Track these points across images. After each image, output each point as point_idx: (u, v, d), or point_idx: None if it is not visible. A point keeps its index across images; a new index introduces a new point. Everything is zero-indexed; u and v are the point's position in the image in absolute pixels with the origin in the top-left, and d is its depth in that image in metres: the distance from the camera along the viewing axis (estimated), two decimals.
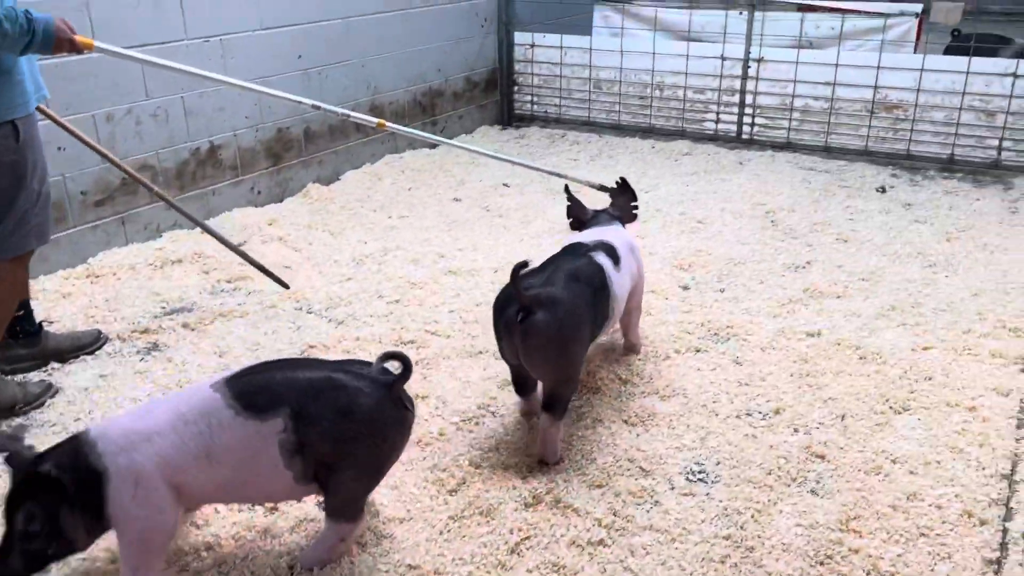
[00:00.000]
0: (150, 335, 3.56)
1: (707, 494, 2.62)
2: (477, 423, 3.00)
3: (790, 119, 6.28)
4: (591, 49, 6.81)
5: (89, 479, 1.98)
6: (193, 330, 3.61)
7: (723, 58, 6.36)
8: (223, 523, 2.47)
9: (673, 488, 2.66)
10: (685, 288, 4.06)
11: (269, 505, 2.53)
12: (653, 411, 3.05)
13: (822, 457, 2.78)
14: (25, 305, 3.26)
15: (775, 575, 2.30)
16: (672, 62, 6.54)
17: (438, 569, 2.32)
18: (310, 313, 3.80)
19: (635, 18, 7.12)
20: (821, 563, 2.33)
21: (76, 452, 2.01)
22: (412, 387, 3.15)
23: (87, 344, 3.41)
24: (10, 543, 1.97)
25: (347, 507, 2.26)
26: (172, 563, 2.31)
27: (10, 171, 2.75)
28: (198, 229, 4.65)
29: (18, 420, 2.99)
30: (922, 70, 5.73)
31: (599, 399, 3.14)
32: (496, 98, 7.20)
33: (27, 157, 2.78)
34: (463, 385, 3.22)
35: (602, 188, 4.22)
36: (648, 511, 2.55)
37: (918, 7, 6.16)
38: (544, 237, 4.69)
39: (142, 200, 4.46)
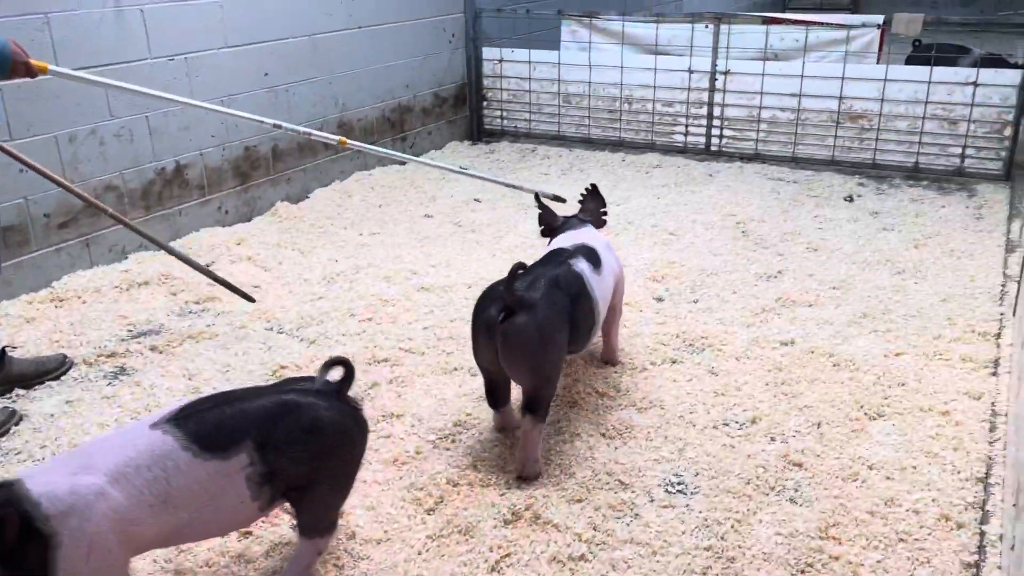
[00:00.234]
0: (117, 359, 3.48)
1: (687, 505, 2.61)
2: (454, 440, 2.97)
3: (758, 130, 6.35)
4: (559, 64, 6.84)
5: (33, 545, 1.76)
6: (161, 353, 3.54)
7: (690, 71, 6.41)
8: (197, 549, 2.41)
9: (652, 500, 2.64)
10: (659, 300, 4.07)
11: (243, 529, 2.47)
12: (631, 423, 3.03)
13: (799, 465, 2.78)
14: None
15: None
16: (640, 75, 6.59)
17: None
18: (281, 333, 3.74)
19: (602, 32, 7.16)
20: (802, 571, 2.33)
21: (15, 512, 1.76)
22: (387, 405, 3.14)
23: (52, 369, 3.33)
24: None
25: (323, 521, 2.24)
26: None
27: None
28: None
29: None
30: (885, 80, 5.82)
31: (576, 413, 3.12)
32: (465, 113, 7.20)
33: None
34: (438, 402, 3.19)
35: (556, 199, 4.26)
36: (628, 524, 2.53)
37: (879, 19, 6.26)
38: (517, 252, 4.67)
39: (107, 222, 4.37)
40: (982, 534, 2.46)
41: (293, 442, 2.07)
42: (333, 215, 5.31)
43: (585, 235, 3.29)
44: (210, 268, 4.38)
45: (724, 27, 6.35)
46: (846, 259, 4.48)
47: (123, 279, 4.17)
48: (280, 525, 2.52)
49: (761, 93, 6.21)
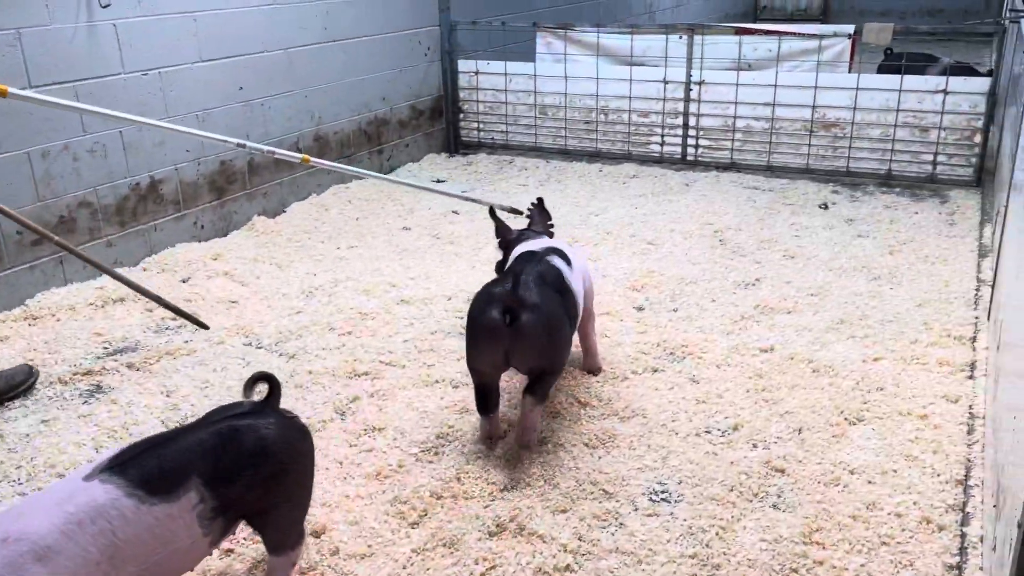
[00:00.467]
0: (93, 377, 3.44)
1: (671, 514, 2.61)
2: (436, 453, 2.95)
3: (733, 140, 6.40)
4: (535, 75, 6.86)
5: None
6: (138, 370, 3.49)
7: (665, 81, 6.46)
8: None
9: (637, 509, 2.64)
10: (639, 309, 4.08)
11: (225, 546, 2.44)
12: (613, 433, 3.03)
13: (782, 471, 2.79)
14: None
15: None
16: (616, 86, 6.63)
17: None
18: (260, 348, 3.71)
19: (577, 44, 7.20)
20: None
21: None
22: (369, 419, 3.12)
23: (21, 381, 3.28)
24: None
25: (291, 535, 2.22)
26: None
27: None
28: (140, 266, 4.56)
29: None
30: (857, 89, 5.90)
31: (559, 423, 3.12)
32: (442, 126, 7.20)
33: None
34: (420, 415, 3.17)
35: (513, 211, 4.28)
36: (613, 534, 2.53)
37: (850, 28, 6.34)
38: (495, 263, 4.66)
39: (81, 239, 4.33)
40: (963, 535, 2.49)
41: (241, 469, 2.01)
42: (310, 229, 5.28)
43: (547, 241, 3.36)
44: (187, 282, 4.35)
45: (698, 38, 6.41)
46: (823, 266, 4.52)
47: (98, 296, 4.12)
48: (260, 542, 2.48)
49: (735, 103, 6.27)
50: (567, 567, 2.39)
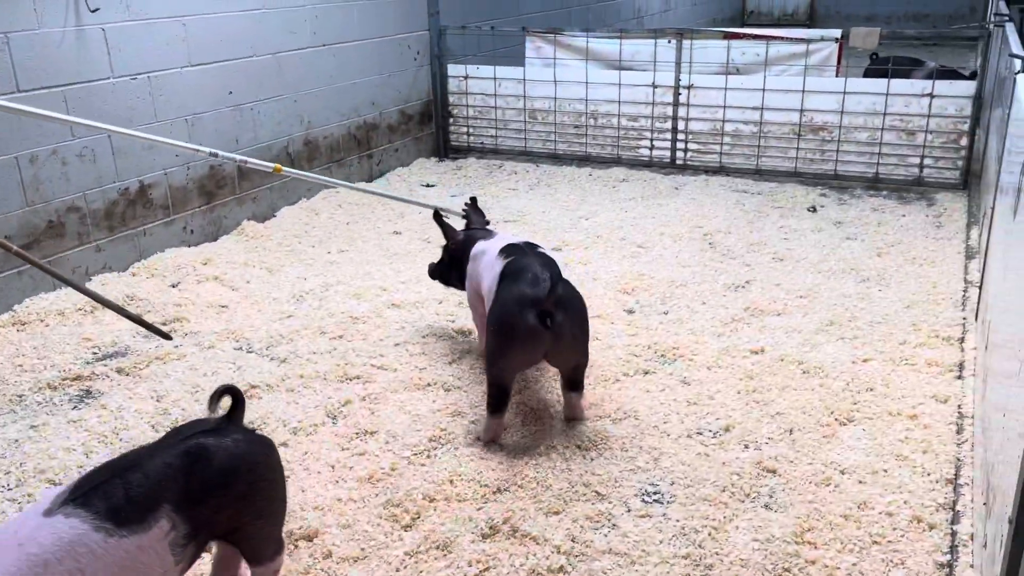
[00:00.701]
0: (83, 382, 3.42)
1: (663, 514, 2.62)
2: (429, 456, 2.95)
3: (721, 143, 6.44)
4: (524, 80, 6.88)
5: None
6: (128, 375, 3.48)
7: (654, 86, 6.49)
8: None
9: (630, 510, 2.65)
10: (630, 312, 4.09)
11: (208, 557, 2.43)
12: (605, 435, 3.04)
13: (773, 472, 2.80)
14: None
15: None
16: (605, 91, 6.65)
17: None
18: (250, 352, 3.70)
19: (567, 48, 7.23)
20: None
21: None
22: (360, 423, 3.11)
23: None
24: None
25: (269, 547, 2.18)
26: None
27: None
28: (129, 271, 4.54)
29: None
30: (844, 93, 5.94)
31: (551, 425, 3.12)
32: (432, 130, 7.21)
33: None
34: (413, 419, 3.17)
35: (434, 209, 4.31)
36: (606, 535, 2.53)
37: (837, 33, 6.39)
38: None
39: (70, 244, 4.31)
40: (953, 534, 2.50)
41: (211, 490, 1.94)
42: (300, 233, 5.27)
43: (507, 235, 3.43)
44: (177, 287, 4.33)
45: (686, 42, 6.45)
46: (812, 268, 4.55)
47: (87, 301, 4.08)
48: None
49: (724, 107, 6.31)
50: (560, 568, 2.39)
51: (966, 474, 2.77)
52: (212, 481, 1.94)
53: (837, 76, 6.39)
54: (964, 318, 3.88)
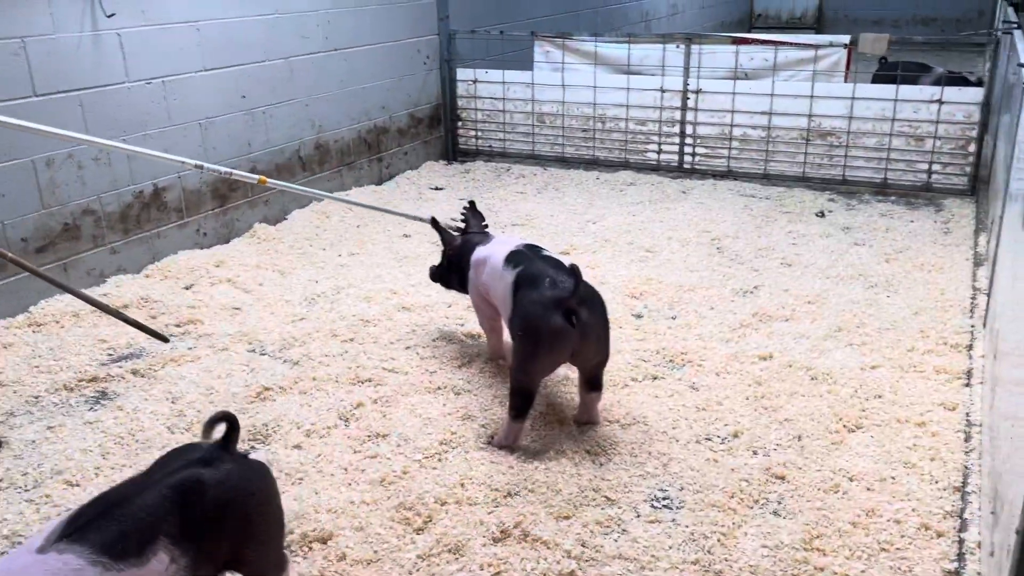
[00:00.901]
0: (98, 383, 3.46)
1: (673, 520, 2.65)
2: (440, 459, 2.98)
3: (729, 148, 6.46)
4: (533, 84, 6.91)
5: None
6: (143, 377, 3.52)
7: (662, 90, 6.52)
8: None
9: (639, 516, 2.67)
10: (638, 316, 4.12)
11: None
12: (615, 440, 3.07)
13: (782, 478, 2.83)
14: None
15: None
16: (613, 95, 6.68)
17: None
18: (263, 355, 3.74)
19: (575, 52, 7.25)
20: None
21: None
22: (372, 425, 3.15)
23: None
24: None
25: (274, 564, 2.16)
26: None
27: None
28: (143, 273, 4.59)
29: None
30: (853, 98, 5.96)
31: (560, 430, 3.15)
32: (440, 134, 7.24)
33: None
34: (424, 422, 3.20)
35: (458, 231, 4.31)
36: (616, 540, 2.56)
37: (846, 38, 6.41)
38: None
39: (85, 246, 4.36)
40: (961, 542, 2.53)
41: (209, 522, 1.89)
42: (312, 236, 5.31)
43: (511, 240, 3.45)
44: (190, 289, 4.37)
45: (695, 47, 6.48)
46: (820, 274, 4.57)
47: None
48: None
49: (732, 111, 6.33)
50: (571, 573, 2.42)
51: (974, 482, 2.79)
52: (208, 513, 1.89)
53: (846, 82, 6.40)
54: (972, 325, 3.89)
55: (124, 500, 1.83)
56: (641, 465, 2.93)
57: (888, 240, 5.08)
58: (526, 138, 7.10)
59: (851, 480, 2.81)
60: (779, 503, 2.71)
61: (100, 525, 1.76)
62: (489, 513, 2.68)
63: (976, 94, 5.74)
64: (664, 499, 2.76)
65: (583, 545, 2.53)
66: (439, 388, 3.45)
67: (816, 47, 6.55)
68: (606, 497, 2.76)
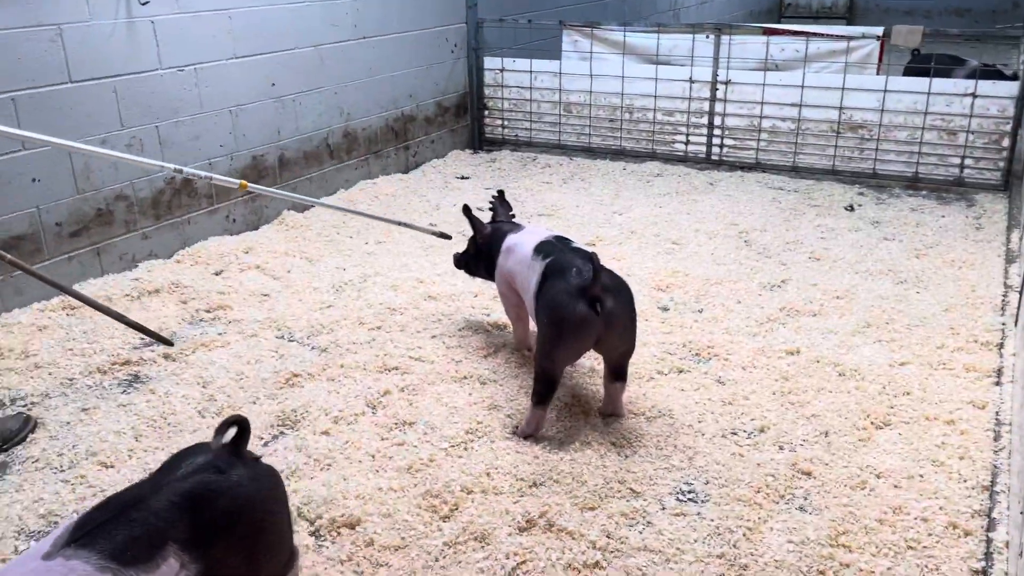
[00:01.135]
0: (131, 367, 3.52)
1: (698, 513, 2.65)
2: (466, 448, 3.00)
3: (758, 140, 6.41)
4: (560, 73, 6.89)
5: None
6: (175, 361, 3.57)
7: (691, 81, 6.48)
8: None
9: (664, 508, 2.68)
10: (664, 309, 4.11)
11: None
12: (640, 432, 3.08)
13: (808, 474, 2.82)
14: None
15: None
16: (641, 85, 6.65)
17: None
18: (292, 341, 3.78)
19: (604, 42, 7.22)
20: None
21: None
22: (399, 413, 3.17)
23: (17, 431, 3.02)
24: None
25: (284, 564, 2.12)
26: None
27: None
28: (174, 259, 4.64)
29: None
30: (885, 91, 5.89)
31: (585, 422, 3.16)
32: (467, 123, 7.25)
33: None
34: (450, 411, 3.22)
35: (442, 235, 4.28)
36: (641, 532, 2.57)
37: (879, 30, 6.33)
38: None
39: (118, 231, 4.42)
40: (989, 541, 2.51)
41: (220, 529, 1.85)
42: (339, 224, 5.34)
43: (540, 230, 3.47)
44: (220, 275, 4.42)
45: (725, 38, 6.42)
46: (848, 269, 4.53)
47: (134, 287, 4.20)
48: None
49: (762, 103, 6.27)
50: (596, 564, 2.44)
51: (1003, 481, 2.77)
52: (219, 521, 1.85)
53: (878, 74, 6.33)
54: (1003, 323, 3.85)
55: (133, 504, 1.79)
56: (666, 458, 2.94)
57: (918, 235, 5.03)
58: (552, 128, 7.09)
59: (878, 477, 2.80)
60: (805, 499, 2.71)
61: (108, 530, 1.72)
62: (515, 503, 2.70)
63: (1011, 88, 5.65)
64: (689, 492, 2.76)
65: (608, 536, 2.54)
66: (465, 377, 3.48)
67: (848, 39, 6.48)
68: (631, 489, 2.77)
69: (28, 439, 3.02)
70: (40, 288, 4.07)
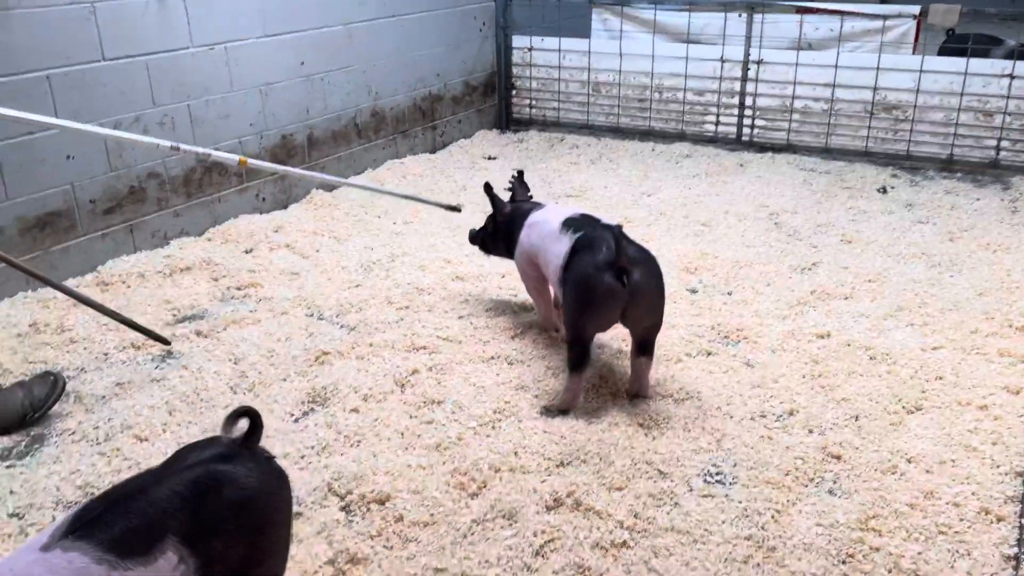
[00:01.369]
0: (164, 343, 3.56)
1: (726, 495, 2.65)
2: (494, 427, 3.02)
3: (790, 120, 6.33)
4: (589, 52, 6.83)
5: None
6: (206, 337, 3.61)
7: (722, 60, 6.39)
8: None
9: (692, 490, 2.68)
10: (693, 291, 4.09)
11: None
12: (668, 414, 3.07)
13: (838, 457, 2.81)
14: None
15: (799, 574, 2.32)
16: (671, 64, 6.57)
17: (464, 572, 2.34)
18: (322, 319, 3.81)
19: (633, 20, 7.15)
20: (843, 562, 2.36)
21: None
22: (428, 392, 3.19)
23: (47, 396, 3.03)
24: None
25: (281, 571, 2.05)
26: None
27: None
28: (205, 237, 4.69)
29: (34, 431, 2.99)
30: (921, 71, 5.78)
31: (613, 402, 3.16)
32: (494, 102, 7.22)
33: None
34: (477, 390, 3.24)
35: (452, 208, 4.29)
36: (669, 513, 2.58)
37: (915, 9, 6.21)
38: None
39: (150, 209, 4.47)
40: (1022, 527, 2.49)
41: (223, 523, 1.79)
42: (367, 204, 5.36)
43: (563, 209, 3.47)
44: (250, 253, 4.46)
45: (757, 16, 6.33)
46: (881, 251, 4.48)
47: (166, 264, 4.25)
48: None
49: (794, 83, 6.19)
50: (624, 543, 2.44)
51: None
52: (223, 514, 1.79)
53: (914, 54, 6.21)
54: None
55: (133, 495, 1.74)
56: (694, 440, 2.93)
57: (953, 218, 4.95)
58: (581, 108, 7.04)
59: (909, 462, 2.78)
60: (835, 482, 2.69)
61: (107, 521, 1.67)
62: (542, 482, 2.71)
63: None
64: (717, 474, 2.76)
65: (635, 516, 2.55)
66: (493, 358, 3.48)
67: (884, 17, 6.36)
68: (659, 470, 2.77)
69: (65, 412, 3.07)
70: (75, 264, 4.14)
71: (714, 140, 6.61)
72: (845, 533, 2.46)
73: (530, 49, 7.05)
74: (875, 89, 5.94)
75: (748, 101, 6.43)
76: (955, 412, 3.04)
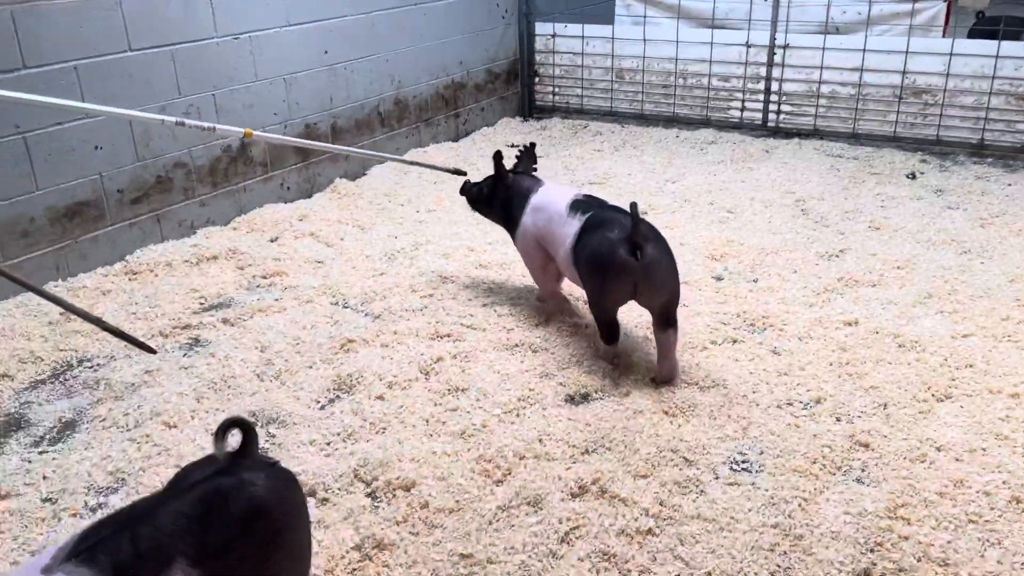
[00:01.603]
0: (192, 331, 3.60)
1: (752, 483, 2.63)
2: (518, 415, 3.02)
3: (817, 106, 6.25)
4: (613, 38, 6.78)
5: None
6: (233, 325, 3.65)
7: (748, 45, 6.32)
8: None
9: (718, 478, 2.67)
10: (718, 279, 4.06)
11: None
12: (693, 402, 3.06)
13: (866, 446, 2.78)
14: None
15: (826, 562, 2.31)
16: (696, 50, 6.51)
17: (490, 558, 2.35)
18: (346, 308, 3.83)
19: (657, 6, 7.09)
20: (872, 550, 2.34)
21: None
22: (452, 379, 3.20)
23: None
24: None
25: None
26: None
27: None
28: (231, 226, 4.72)
29: (65, 418, 3.03)
30: (951, 54, 5.68)
31: (638, 390, 3.15)
32: (517, 90, 7.19)
33: None
34: (502, 378, 3.24)
35: (457, 172, 4.33)
36: (695, 500, 2.57)
37: None
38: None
39: (176, 198, 4.51)
40: None
41: (234, 539, 1.73)
42: (390, 192, 5.37)
43: (567, 190, 3.56)
44: (275, 242, 4.49)
45: (783, 0, 6.25)
46: (910, 238, 4.42)
47: (193, 253, 4.29)
48: None
49: (821, 68, 6.11)
50: (649, 531, 2.44)
51: None
52: (232, 528, 1.73)
53: (944, 37, 6.10)
54: None
55: (138, 518, 1.69)
56: (720, 427, 2.92)
57: (983, 204, 4.87)
58: (604, 95, 7.00)
59: (939, 450, 2.75)
60: (863, 471, 2.67)
61: (112, 545, 1.62)
62: (567, 469, 2.71)
63: None
64: (744, 462, 2.75)
65: (661, 504, 2.54)
66: (516, 345, 3.48)
67: (914, 0, 6.25)
68: (684, 458, 2.76)
69: (99, 400, 3.11)
70: (103, 253, 4.18)
71: (739, 126, 6.55)
72: (873, 521, 2.44)
73: (553, 36, 7.02)
74: (904, 73, 5.85)
75: (774, 86, 6.35)
76: (985, 400, 3.00)
